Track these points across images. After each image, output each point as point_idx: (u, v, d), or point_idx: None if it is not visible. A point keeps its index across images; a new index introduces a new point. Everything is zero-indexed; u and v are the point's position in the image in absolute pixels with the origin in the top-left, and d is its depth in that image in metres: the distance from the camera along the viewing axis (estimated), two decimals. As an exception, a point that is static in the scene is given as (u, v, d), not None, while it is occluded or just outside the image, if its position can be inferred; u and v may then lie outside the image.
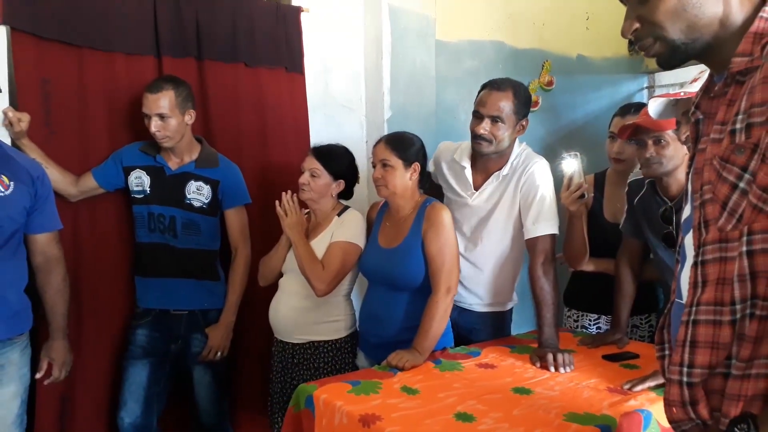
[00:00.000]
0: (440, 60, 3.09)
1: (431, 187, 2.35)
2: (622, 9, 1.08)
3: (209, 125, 2.52)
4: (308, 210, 2.35)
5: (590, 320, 2.56)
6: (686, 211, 1.12)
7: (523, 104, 2.20)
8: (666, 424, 1.10)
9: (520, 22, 3.40)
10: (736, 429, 0.91)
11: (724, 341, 0.96)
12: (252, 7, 2.61)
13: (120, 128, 2.36)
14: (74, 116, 2.24)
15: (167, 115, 2.21)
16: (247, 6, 2.59)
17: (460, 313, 2.33)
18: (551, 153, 2.29)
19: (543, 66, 3.52)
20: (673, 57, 1.04)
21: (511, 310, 2.43)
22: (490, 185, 2.26)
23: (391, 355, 1.97)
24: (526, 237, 2.20)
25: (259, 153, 2.63)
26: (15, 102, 2.11)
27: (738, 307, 0.94)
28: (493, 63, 3.30)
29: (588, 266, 2.44)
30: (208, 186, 2.35)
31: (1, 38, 2.06)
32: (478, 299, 2.34)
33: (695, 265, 1.01)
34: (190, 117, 2.29)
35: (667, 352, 1.16)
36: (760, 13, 0.98)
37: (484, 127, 2.16)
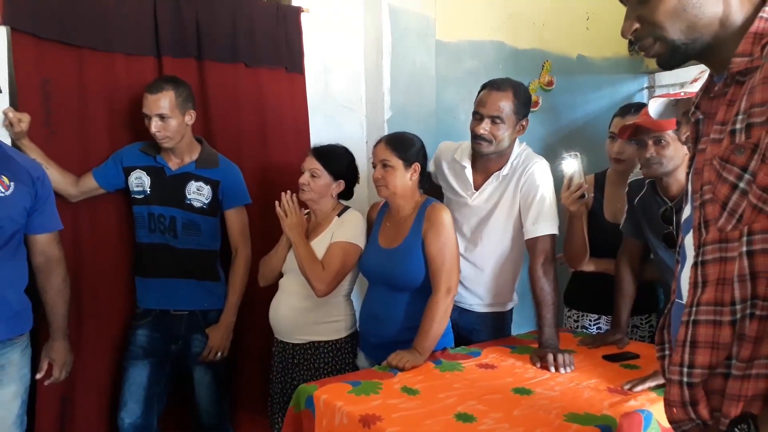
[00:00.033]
0: (440, 60, 3.09)
1: (431, 188, 2.35)
2: (623, 9, 1.08)
3: (209, 125, 2.52)
4: (308, 210, 2.35)
5: (590, 320, 2.55)
6: (686, 212, 1.12)
7: (523, 104, 2.20)
8: (666, 424, 1.10)
9: (520, 22, 3.41)
10: (736, 429, 0.91)
11: (724, 341, 0.96)
12: (252, 8, 2.61)
13: (120, 128, 2.36)
14: (74, 117, 2.24)
15: (167, 115, 2.21)
16: (247, 6, 2.59)
17: (460, 313, 2.33)
18: (551, 153, 2.29)
19: (543, 66, 3.52)
20: (673, 57, 1.04)
21: (511, 310, 2.43)
22: (491, 185, 2.26)
23: (392, 356, 1.97)
24: (526, 237, 2.20)
25: (259, 153, 2.64)
26: (15, 102, 2.11)
27: (738, 307, 0.94)
28: (493, 63, 3.30)
29: (588, 266, 2.44)
30: (209, 186, 2.35)
31: (1, 39, 2.06)
32: (478, 300, 2.34)
33: (695, 265, 1.01)
34: (190, 117, 2.29)
35: (667, 353, 1.16)
36: (760, 14, 0.98)
37: (484, 128, 2.16)
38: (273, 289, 2.35)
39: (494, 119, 2.15)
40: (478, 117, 2.18)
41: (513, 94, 2.16)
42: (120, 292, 2.38)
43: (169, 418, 2.47)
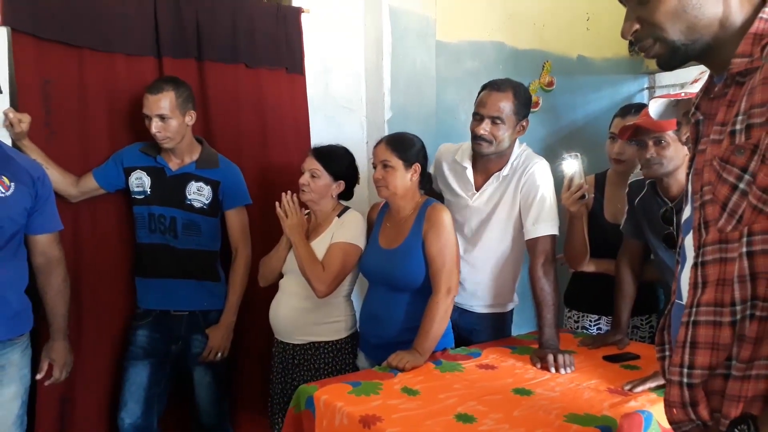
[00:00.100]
0: (440, 60, 3.09)
1: (431, 190, 2.35)
2: (623, 9, 1.08)
3: (210, 126, 2.52)
4: (308, 211, 2.35)
5: (591, 321, 2.55)
6: (686, 212, 1.12)
7: (523, 105, 2.20)
8: (666, 425, 1.10)
9: (520, 22, 3.41)
10: (736, 430, 0.91)
11: (724, 342, 0.96)
12: (252, 8, 2.61)
13: (120, 129, 2.37)
14: (75, 117, 2.24)
15: (168, 116, 2.21)
16: (247, 7, 2.59)
17: (460, 314, 2.33)
18: (552, 154, 2.29)
19: (543, 66, 3.52)
20: (673, 58, 1.04)
21: (511, 311, 2.43)
22: (491, 186, 2.26)
23: (392, 356, 1.97)
24: (527, 238, 2.20)
25: (259, 154, 2.64)
26: (15, 103, 2.11)
27: (738, 308, 0.94)
28: (493, 63, 3.30)
29: (588, 267, 2.44)
30: (209, 187, 2.35)
31: (1, 39, 2.06)
32: (478, 300, 2.33)
33: (695, 266, 1.01)
34: (190, 118, 2.29)
35: (667, 353, 1.16)
36: (760, 14, 0.98)
37: (485, 128, 2.16)
38: (273, 289, 2.35)
39: (494, 120, 2.15)
40: (478, 117, 2.18)
41: (513, 94, 2.16)
42: (120, 292, 2.38)
43: (169, 419, 2.47)
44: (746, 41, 0.97)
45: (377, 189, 2.15)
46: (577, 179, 2.05)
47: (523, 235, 2.22)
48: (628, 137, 2.03)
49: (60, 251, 2.03)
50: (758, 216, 0.91)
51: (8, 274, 1.88)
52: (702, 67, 1.10)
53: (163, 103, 2.20)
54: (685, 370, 1.00)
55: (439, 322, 2.02)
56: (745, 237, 0.93)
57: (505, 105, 2.15)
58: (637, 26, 1.05)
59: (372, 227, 2.27)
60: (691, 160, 1.10)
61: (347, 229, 2.22)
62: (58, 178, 2.14)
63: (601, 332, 2.47)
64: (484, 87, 2.23)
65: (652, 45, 1.04)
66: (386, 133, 2.69)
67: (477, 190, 2.29)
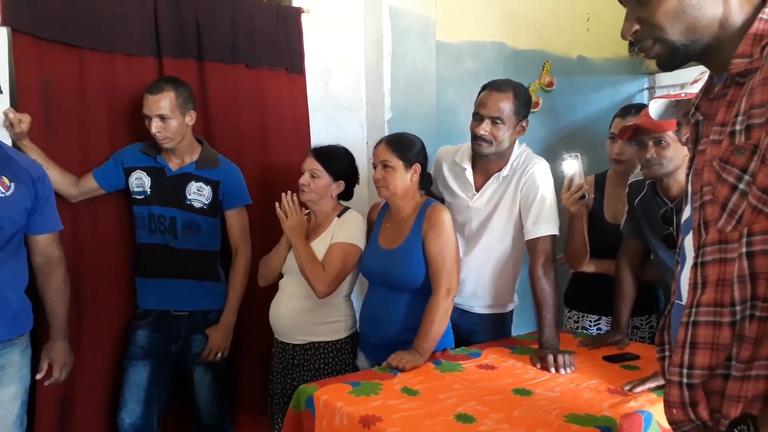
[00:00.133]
0: (441, 61, 3.09)
1: (431, 191, 2.35)
2: (623, 10, 1.08)
3: (210, 126, 2.52)
4: (308, 210, 2.35)
5: (591, 321, 2.55)
6: (686, 213, 1.12)
7: (523, 105, 2.20)
8: (666, 425, 1.10)
9: (520, 23, 3.41)
10: (735, 430, 0.91)
11: (723, 342, 0.96)
12: (252, 8, 2.61)
13: (120, 129, 2.37)
14: (75, 117, 2.24)
15: (168, 116, 2.21)
16: (247, 7, 2.59)
17: (460, 314, 2.32)
18: (552, 154, 2.29)
19: (543, 67, 3.52)
20: (672, 58, 1.04)
21: (511, 312, 2.43)
22: (491, 186, 2.26)
23: (392, 356, 1.97)
24: (527, 238, 2.20)
25: (259, 154, 2.64)
26: (15, 103, 2.11)
27: (738, 308, 0.94)
28: (493, 64, 3.30)
29: (588, 267, 2.44)
30: (209, 187, 2.35)
31: (1, 39, 2.06)
32: (478, 301, 2.33)
33: (695, 266, 1.01)
34: (190, 118, 2.29)
35: (667, 354, 1.16)
36: (760, 15, 0.98)
37: (485, 128, 2.16)
38: (273, 289, 2.35)
39: (494, 120, 2.15)
40: (478, 118, 2.18)
41: (513, 95, 2.16)
42: (120, 292, 2.38)
43: (169, 419, 2.47)
44: (746, 42, 0.97)
45: (377, 189, 2.15)
46: (577, 179, 2.05)
47: (523, 236, 2.22)
48: (628, 137, 2.03)
49: (60, 251, 2.03)
50: (758, 216, 0.91)
51: (8, 274, 1.88)
52: (702, 68, 1.10)
53: (163, 103, 2.20)
54: (685, 371, 1.00)
55: (439, 323, 2.02)
56: (745, 237, 0.93)
57: (505, 105, 2.15)
58: (637, 27, 1.05)
59: (372, 227, 2.27)
60: (691, 160, 1.10)
61: (347, 230, 2.22)
62: (58, 178, 2.14)
63: (601, 332, 2.47)
64: (484, 87, 2.23)
65: (652, 45, 1.04)
66: (386, 134, 2.69)
67: (477, 190, 2.29)
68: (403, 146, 2.12)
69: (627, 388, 1.79)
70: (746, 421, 0.91)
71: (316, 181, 2.24)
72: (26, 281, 1.96)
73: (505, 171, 2.24)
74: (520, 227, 2.24)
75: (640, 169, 2.07)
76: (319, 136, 2.69)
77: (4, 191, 1.83)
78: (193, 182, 2.33)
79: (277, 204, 2.20)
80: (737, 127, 0.94)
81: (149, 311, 2.36)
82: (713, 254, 0.98)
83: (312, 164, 2.24)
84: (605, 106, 3.69)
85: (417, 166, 2.13)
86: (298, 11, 2.74)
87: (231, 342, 2.41)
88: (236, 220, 2.42)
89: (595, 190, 2.49)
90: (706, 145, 1.01)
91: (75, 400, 2.27)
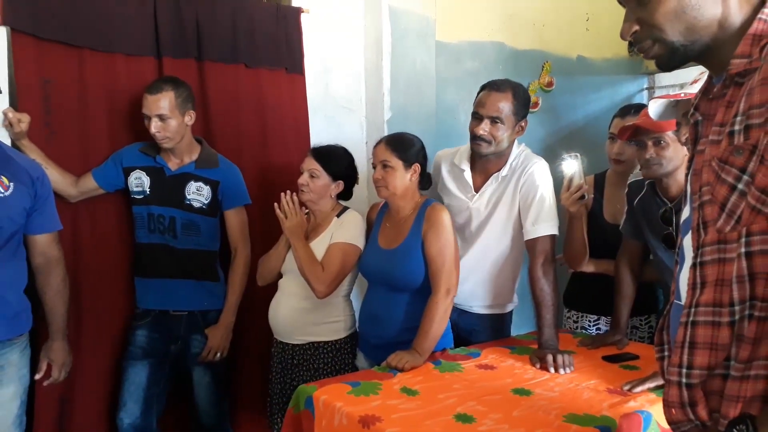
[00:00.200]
0: (440, 61, 3.09)
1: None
2: (622, 10, 1.08)
3: (209, 126, 2.52)
4: (308, 210, 2.34)
5: (590, 321, 2.55)
6: (685, 213, 1.12)
7: (522, 105, 2.20)
8: (666, 425, 1.10)
9: (520, 23, 3.41)
10: (734, 430, 0.91)
11: (722, 342, 0.96)
12: (252, 8, 2.61)
13: (120, 129, 2.36)
14: (74, 117, 2.24)
15: (167, 116, 2.21)
16: (247, 7, 2.59)
17: (459, 314, 2.33)
18: (551, 154, 2.29)
19: (543, 67, 3.52)
20: (672, 59, 1.04)
21: (511, 312, 2.43)
22: (490, 186, 2.26)
23: (391, 356, 1.97)
24: (526, 238, 2.20)
25: (259, 154, 2.64)
26: (15, 103, 2.11)
27: (737, 308, 0.94)
28: (493, 64, 3.30)
29: (588, 267, 2.44)
30: (208, 186, 2.35)
31: (1, 39, 2.06)
32: (477, 301, 2.33)
33: (694, 266, 1.01)
34: (190, 118, 2.29)
35: (666, 354, 1.16)
36: (759, 15, 0.98)
37: (484, 128, 2.16)
38: (272, 289, 2.35)
39: (493, 120, 2.15)
40: (477, 117, 2.18)
41: (512, 94, 2.16)
42: (119, 292, 2.38)
43: (168, 419, 2.47)
44: (745, 42, 0.97)
45: (377, 189, 2.15)
46: (576, 179, 2.05)
47: (522, 236, 2.22)
48: (627, 137, 2.03)
49: (59, 251, 2.03)
50: (757, 216, 0.91)
51: (7, 274, 1.88)
52: (701, 68, 1.10)
53: (163, 103, 2.20)
54: (684, 371, 1.00)
55: (438, 323, 2.02)
56: (744, 237, 0.93)
57: (505, 105, 2.15)
58: (636, 27, 1.05)
59: (371, 227, 2.27)
60: (690, 160, 1.10)
61: (346, 230, 2.22)
62: (57, 178, 2.14)
63: (601, 332, 2.47)
64: (483, 87, 2.23)
65: (652, 46, 1.04)
66: (386, 134, 2.69)
67: (476, 191, 2.29)
68: (402, 146, 2.12)
69: (626, 388, 1.79)
70: (745, 421, 0.91)
71: (315, 181, 2.24)
72: (25, 281, 1.96)
73: (504, 171, 2.24)
74: (519, 227, 2.24)
75: (640, 169, 2.07)
76: (318, 136, 2.69)
77: (3, 191, 1.83)
78: (192, 182, 2.33)
79: (276, 204, 2.20)
80: (736, 127, 0.94)
81: (148, 311, 2.36)
82: (712, 254, 0.98)
83: (311, 164, 2.24)
84: (605, 106, 3.70)
85: (416, 166, 2.13)
86: (298, 11, 2.74)
87: (230, 342, 2.41)
88: (236, 220, 2.42)
89: (594, 190, 2.49)
90: (705, 145, 1.02)
91: (74, 400, 2.27)
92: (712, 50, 1.02)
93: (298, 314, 2.24)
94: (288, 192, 2.21)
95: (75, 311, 2.18)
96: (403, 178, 2.11)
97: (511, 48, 3.38)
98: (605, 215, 2.48)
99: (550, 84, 3.55)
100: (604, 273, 2.41)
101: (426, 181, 2.20)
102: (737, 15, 0.99)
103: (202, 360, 2.36)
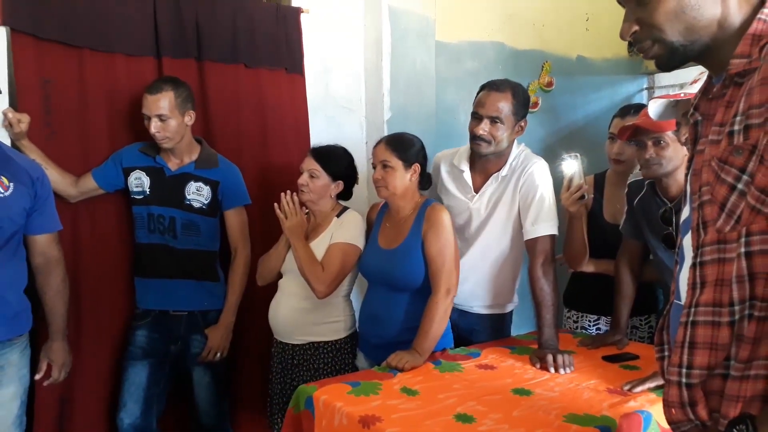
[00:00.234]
0: (440, 61, 3.09)
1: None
2: (622, 10, 1.08)
3: (209, 126, 2.52)
4: (308, 210, 2.34)
5: (590, 321, 2.55)
6: (685, 213, 1.12)
7: (522, 105, 2.20)
8: (666, 425, 1.10)
9: (520, 23, 3.41)
10: (734, 430, 0.91)
11: (722, 342, 0.96)
12: (252, 8, 2.61)
13: (120, 129, 2.37)
14: (74, 117, 2.24)
15: (167, 116, 2.21)
16: (247, 7, 2.59)
17: (460, 315, 2.33)
18: (551, 154, 2.29)
19: (543, 67, 3.53)
20: (671, 59, 1.04)
21: (511, 312, 2.43)
22: (490, 186, 2.26)
23: (391, 356, 1.97)
24: (526, 238, 2.20)
25: (259, 154, 2.64)
26: (15, 103, 2.11)
27: (736, 308, 0.94)
28: (493, 64, 3.30)
29: (588, 267, 2.44)
30: (208, 187, 2.35)
31: (1, 39, 2.06)
32: (477, 301, 2.33)
33: (694, 266, 1.01)
34: (189, 118, 2.29)
35: (666, 353, 1.16)
36: (758, 15, 0.98)
37: (483, 128, 2.16)
38: (272, 289, 2.35)
39: (493, 120, 2.15)
40: (477, 117, 2.18)
41: (512, 94, 2.16)
42: (119, 292, 2.38)
43: (168, 419, 2.47)
44: (745, 42, 0.97)
45: (377, 189, 2.15)
46: (576, 179, 2.05)
47: (522, 236, 2.22)
48: (627, 137, 2.03)
49: (59, 251, 2.03)
50: (756, 216, 0.92)
51: (7, 275, 1.88)
52: (701, 68, 1.10)
53: (162, 103, 2.20)
54: (684, 370, 1.00)
55: (438, 323, 2.02)
56: (744, 237, 0.93)
57: (504, 105, 2.15)
58: (636, 27, 1.05)
59: (371, 227, 2.27)
60: (690, 160, 1.10)
61: (346, 230, 2.22)
62: (57, 178, 2.14)
63: (601, 332, 2.47)
64: (483, 87, 2.23)
65: (651, 46, 1.04)
66: (386, 134, 2.69)
67: (476, 191, 2.29)
68: (402, 146, 2.12)
69: (626, 387, 1.79)
70: (745, 420, 0.91)
71: (315, 181, 2.24)
72: (25, 281, 1.96)
73: (504, 171, 2.24)
74: (519, 227, 2.24)
75: (640, 169, 2.07)
76: (318, 136, 2.69)
77: (3, 191, 1.83)
78: (192, 182, 2.33)
79: (276, 204, 2.20)
80: (736, 127, 0.94)
81: (148, 311, 2.36)
82: (712, 254, 0.98)
83: (311, 164, 2.24)
84: (605, 106, 3.70)
85: (416, 166, 2.13)
86: (298, 11, 2.74)
87: (230, 342, 2.41)
88: (235, 220, 2.42)
89: (594, 190, 2.49)
90: (705, 145, 1.02)
91: (74, 400, 2.27)
92: (711, 50, 1.02)
93: (298, 314, 2.24)
94: (288, 192, 2.21)
95: (75, 311, 2.18)
96: (403, 178, 2.11)
97: (511, 48, 3.38)
98: (605, 215, 2.48)
99: (549, 84, 3.55)
100: (604, 273, 2.41)
101: (426, 181, 2.20)
102: (737, 15, 0.99)
103: (202, 360, 2.36)
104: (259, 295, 2.44)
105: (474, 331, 2.34)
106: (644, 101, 3.75)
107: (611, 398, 1.73)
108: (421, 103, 3.01)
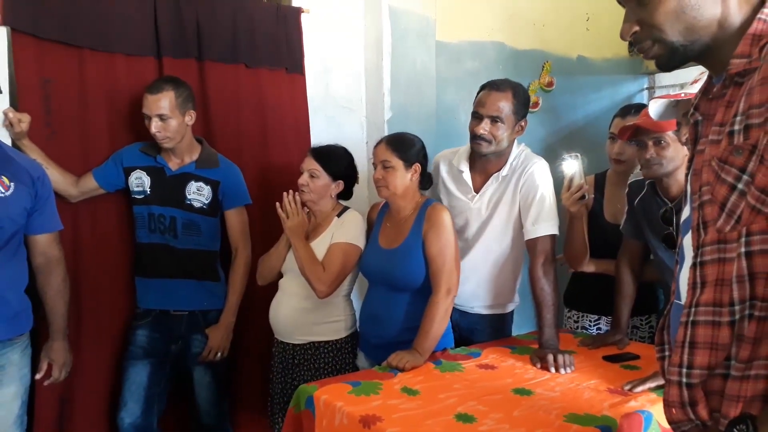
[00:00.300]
0: (440, 61, 3.09)
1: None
2: (622, 10, 1.08)
3: (210, 126, 2.52)
4: (309, 210, 2.34)
5: (590, 321, 2.55)
6: (685, 212, 1.12)
7: (522, 105, 2.20)
8: (666, 425, 1.10)
9: (520, 22, 3.41)
10: (735, 430, 0.91)
11: (723, 342, 0.96)
12: (252, 8, 2.61)
13: (120, 129, 2.37)
14: (75, 117, 2.24)
15: (167, 115, 2.21)
16: (247, 7, 2.59)
17: (461, 315, 2.33)
18: (552, 154, 2.29)
19: (543, 67, 3.53)
20: (671, 59, 1.04)
21: (512, 312, 2.43)
22: (490, 186, 2.26)
23: (392, 356, 1.97)
24: (526, 238, 2.20)
25: (259, 154, 2.64)
26: (15, 103, 2.11)
27: (737, 308, 0.94)
28: (493, 64, 3.30)
29: (588, 267, 2.44)
30: (209, 186, 2.35)
31: (1, 39, 2.06)
32: (478, 301, 2.33)
33: (694, 266, 1.01)
34: (190, 118, 2.30)
35: (666, 353, 1.16)
36: (759, 15, 0.98)
37: (484, 128, 2.16)
38: (273, 289, 2.35)
39: (493, 119, 2.15)
40: (477, 117, 2.18)
41: (512, 94, 2.16)
42: (120, 292, 2.38)
43: (169, 418, 2.47)
44: (745, 42, 0.97)
45: (377, 189, 2.15)
46: (577, 179, 2.05)
47: (523, 236, 2.22)
48: (627, 137, 2.03)
49: (60, 251, 2.03)
50: (756, 216, 0.92)
51: (8, 274, 1.88)
52: (701, 68, 1.10)
53: (163, 102, 2.20)
54: (684, 370, 1.00)
55: (439, 322, 2.02)
56: (744, 237, 0.93)
57: (504, 105, 2.15)
58: (636, 27, 1.05)
59: (372, 227, 2.27)
60: (690, 160, 1.10)
61: (347, 229, 2.22)
62: (57, 177, 2.14)
63: (601, 332, 2.47)
64: (483, 87, 2.23)
65: (651, 46, 1.04)
66: (386, 133, 2.69)
67: (476, 191, 2.29)
68: (403, 146, 2.13)
69: (627, 387, 1.79)
70: (745, 420, 0.91)
71: (315, 181, 2.24)
72: (26, 281, 1.96)
73: (505, 171, 2.24)
74: (519, 227, 2.24)
75: (640, 169, 2.07)
76: (319, 136, 2.69)
77: (3, 191, 1.83)
78: (192, 182, 2.33)
79: (278, 204, 2.20)
80: (736, 127, 0.94)
81: (149, 311, 2.36)
82: (712, 254, 0.98)
83: (311, 164, 2.24)
84: (605, 106, 3.70)
85: (417, 166, 2.13)
86: (298, 11, 2.74)
87: (231, 342, 2.41)
88: (236, 219, 2.42)
89: (594, 190, 2.49)
90: (705, 145, 1.02)
91: (74, 399, 2.27)
92: (711, 50, 1.02)
93: (299, 314, 2.24)
94: (290, 191, 2.21)
95: (75, 311, 2.18)
96: (404, 178, 2.11)
97: (511, 48, 3.38)
98: (606, 215, 2.48)
99: (550, 84, 3.55)
100: (605, 273, 2.41)
101: (426, 180, 2.20)
102: (737, 15, 0.99)
103: (202, 360, 2.36)
104: (260, 295, 2.44)
105: (475, 331, 2.34)
106: (645, 101, 3.75)
107: (612, 398, 1.73)
108: (421, 103, 3.01)
